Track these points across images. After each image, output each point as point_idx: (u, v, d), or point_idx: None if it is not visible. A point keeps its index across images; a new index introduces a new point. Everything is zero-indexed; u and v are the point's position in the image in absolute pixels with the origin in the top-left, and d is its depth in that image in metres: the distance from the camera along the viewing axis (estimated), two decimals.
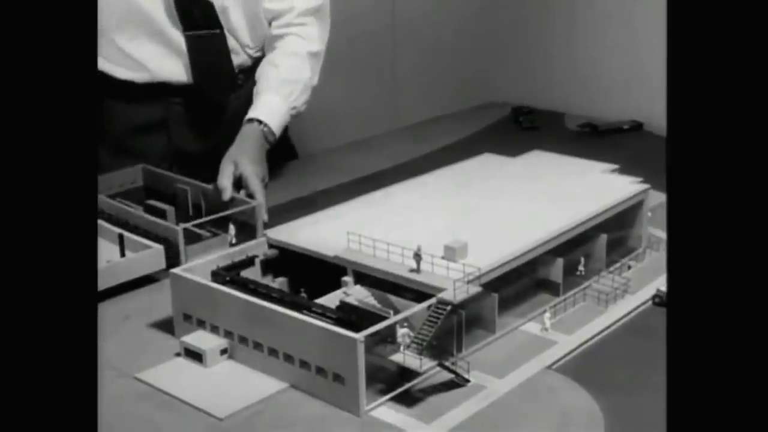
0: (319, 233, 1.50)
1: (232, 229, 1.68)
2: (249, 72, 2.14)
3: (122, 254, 1.63)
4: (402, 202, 1.67)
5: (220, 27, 2.04)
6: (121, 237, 1.64)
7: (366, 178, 2.14)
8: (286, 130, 2.24)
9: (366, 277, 1.39)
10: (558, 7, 2.82)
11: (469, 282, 1.30)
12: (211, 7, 2.01)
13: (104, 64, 2.03)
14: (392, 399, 1.24)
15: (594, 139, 2.48)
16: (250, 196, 1.79)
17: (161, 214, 1.75)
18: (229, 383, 1.30)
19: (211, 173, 1.86)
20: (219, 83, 2.11)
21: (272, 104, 2.03)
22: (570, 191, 1.69)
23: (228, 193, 1.77)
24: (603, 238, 1.57)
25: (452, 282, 1.28)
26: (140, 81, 2.05)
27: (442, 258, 1.37)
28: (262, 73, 2.09)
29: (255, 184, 1.82)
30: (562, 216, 1.54)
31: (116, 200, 1.83)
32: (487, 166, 1.87)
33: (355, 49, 2.45)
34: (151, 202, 1.81)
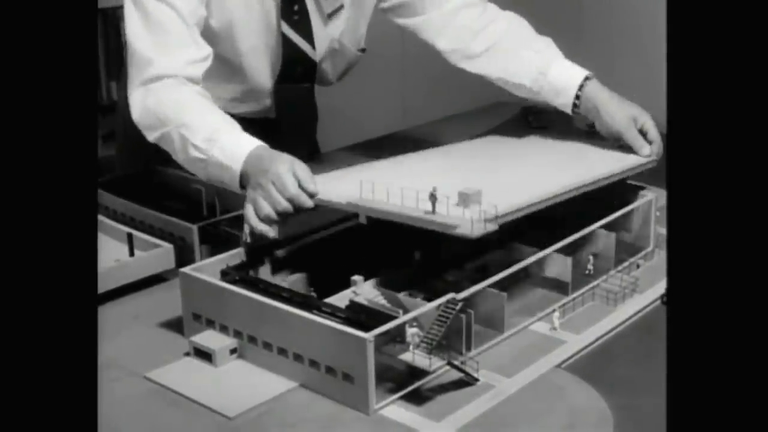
0: (330, 186, 1.49)
1: (246, 228, 1.68)
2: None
3: (131, 253, 1.64)
4: (414, 163, 1.68)
5: (312, 81, 2.04)
6: (129, 236, 1.65)
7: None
8: (315, 128, 2.29)
9: (380, 225, 1.37)
10: (566, 6, 2.82)
11: (486, 221, 1.28)
12: (315, 65, 1.99)
13: None
14: (402, 398, 1.25)
15: (602, 139, 2.47)
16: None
17: (176, 213, 1.75)
18: (239, 382, 1.30)
19: None
20: (299, 123, 2.11)
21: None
22: (582, 155, 1.75)
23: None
24: (612, 236, 1.57)
25: (470, 220, 1.27)
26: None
27: (456, 205, 1.36)
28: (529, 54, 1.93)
29: None
30: (575, 173, 1.57)
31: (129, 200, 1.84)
32: (498, 138, 1.91)
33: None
34: (166, 202, 1.81)
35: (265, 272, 1.49)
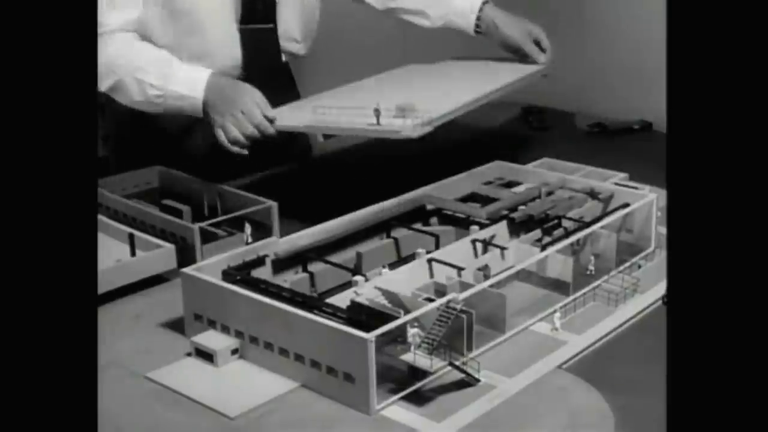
0: (288, 114, 1.81)
1: (248, 228, 1.68)
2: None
3: (133, 253, 1.64)
4: (354, 90, 2.02)
5: (275, 21, 2.07)
6: (131, 236, 1.65)
7: (375, 176, 2.14)
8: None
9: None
10: (568, 6, 2.82)
11: (423, 125, 1.60)
12: (273, 2, 2.05)
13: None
14: (403, 398, 1.25)
15: (604, 139, 2.48)
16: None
17: (177, 213, 1.75)
18: (240, 383, 1.31)
19: (252, 167, 2.06)
20: (268, 76, 2.11)
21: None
22: (491, 69, 2.19)
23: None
24: (613, 237, 1.57)
25: (410, 126, 1.58)
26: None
27: (395, 117, 1.64)
28: None
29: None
30: (487, 83, 1.98)
31: (131, 200, 1.84)
32: (422, 66, 2.28)
33: (365, 47, 2.46)
34: (167, 201, 1.81)
35: (266, 272, 1.49)
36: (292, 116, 1.80)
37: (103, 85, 1.89)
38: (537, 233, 1.59)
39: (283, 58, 2.15)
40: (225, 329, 1.37)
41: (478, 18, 2.18)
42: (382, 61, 2.43)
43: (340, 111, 1.67)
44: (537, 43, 2.19)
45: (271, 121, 1.77)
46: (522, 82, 2.08)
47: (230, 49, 2.03)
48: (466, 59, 2.31)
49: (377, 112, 1.61)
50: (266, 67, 2.10)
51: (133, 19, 1.92)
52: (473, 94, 1.87)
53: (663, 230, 1.69)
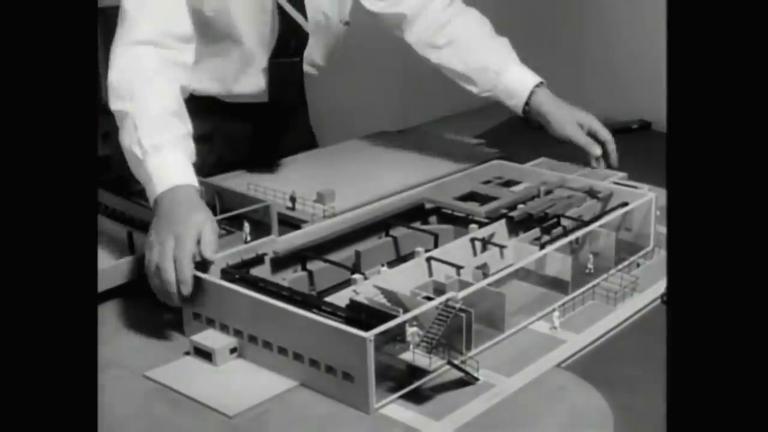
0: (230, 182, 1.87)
1: (246, 227, 1.68)
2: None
3: (131, 252, 1.64)
4: (299, 164, 2.09)
5: (302, 55, 2.00)
6: (130, 235, 1.65)
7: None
8: (307, 118, 2.31)
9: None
10: (567, 6, 2.82)
11: (324, 217, 1.70)
12: (306, 37, 1.97)
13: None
14: (402, 397, 1.25)
15: None
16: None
17: None
18: (239, 381, 1.31)
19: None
20: (290, 103, 2.08)
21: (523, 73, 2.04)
22: (440, 157, 2.12)
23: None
24: (612, 235, 1.57)
25: (312, 216, 1.71)
26: (213, 94, 1.98)
27: (314, 201, 1.77)
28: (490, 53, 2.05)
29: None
30: (418, 175, 1.93)
31: (131, 200, 1.83)
32: (373, 141, 2.30)
33: (364, 46, 2.46)
34: None
35: (264, 271, 1.49)
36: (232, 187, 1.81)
37: (114, 105, 1.67)
38: (536, 232, 1.59)
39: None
40: (224, 328, 1.37)
41: (527, 104, 2.00)
42: (382, 61, 2.44)
43: (266, 189, 1.81)
44: (592, 135, 1.96)
45: (207, 261, 1.45)
46: (460, 171, 1.93)
47: (255, 78, 1.98)
48: (425, 143, 2.26)
49: (292, 200, 1.76)
50: (289, 95, 2.05)
51: (171, 34, 1.75)
52: (391, 188, 1.85)
53: (662, 229, 1.69)
